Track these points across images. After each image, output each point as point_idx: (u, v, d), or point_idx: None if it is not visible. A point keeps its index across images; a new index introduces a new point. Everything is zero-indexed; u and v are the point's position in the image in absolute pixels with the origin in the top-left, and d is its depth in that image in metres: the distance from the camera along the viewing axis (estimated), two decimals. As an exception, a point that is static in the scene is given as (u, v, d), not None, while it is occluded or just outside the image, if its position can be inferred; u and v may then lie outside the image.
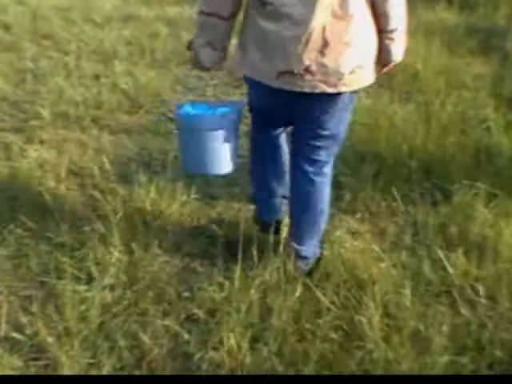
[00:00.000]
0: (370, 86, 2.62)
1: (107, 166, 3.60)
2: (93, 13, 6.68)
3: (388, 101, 4.81)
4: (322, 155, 2.68)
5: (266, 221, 2.97)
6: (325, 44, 2.34)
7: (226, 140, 2.66)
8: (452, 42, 6.11)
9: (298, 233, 2.80)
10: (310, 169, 2.69)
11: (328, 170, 2.74)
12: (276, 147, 2.85)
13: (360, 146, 4.04)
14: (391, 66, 2.63)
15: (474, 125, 4.45)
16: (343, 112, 2.59)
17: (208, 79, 5.20)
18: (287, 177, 2.84)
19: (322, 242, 2.92)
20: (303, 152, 2.68)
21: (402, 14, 2.48)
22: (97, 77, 5.10)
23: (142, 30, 6.19)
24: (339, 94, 2.46)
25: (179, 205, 3.38)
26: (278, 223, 2.96)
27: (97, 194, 3.43)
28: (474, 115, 4.58)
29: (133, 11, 6.73)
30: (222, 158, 2.71)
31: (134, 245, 3.02)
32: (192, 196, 3.47)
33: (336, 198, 3.43)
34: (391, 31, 2.47)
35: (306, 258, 2.80)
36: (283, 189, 2.90)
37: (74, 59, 5.46)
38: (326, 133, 2.61)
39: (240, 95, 4.69)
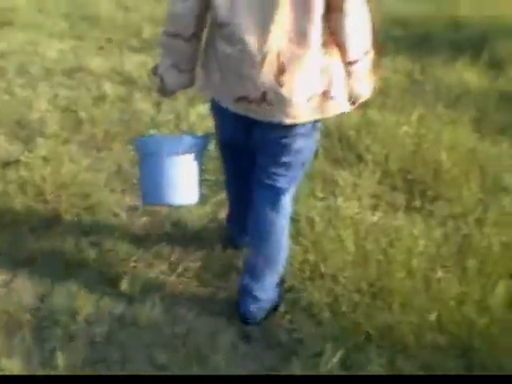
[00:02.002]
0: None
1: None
2: (31, 61, 5.28)
3: (403, 214, 3.42)
4: (281, 182, 2.57)
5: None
6: (281, 70, 2.27)
7: (187, 167, 2.57)
8: (482, 116, 4.74)
9: (254, 270, 2.66)
10: (269, 195, 2.60)
11: (287, 200, 2.62)
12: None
13: (363, 309, 2.66)
14: (356, 103, 2.53)
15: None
16: (305, 140, 2.49)
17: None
18: None
19: (281, 289, 2.76)
20: (262, 178, 2.59)
21: (365, 45, 2.37)
22: (4, 165, 3.70)
23: (86, 90, 4.79)
24: (298, 124, 2.40)
25: None
26: None
27: None
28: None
29: (82, 62, 5.33)
30: (183, 186, 2.59)
31: None
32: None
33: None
34: (350, 63, 2.38)
35: (259, 300, 2.63)
36: None
37: (-13, 133, 4.06)
38: (285, 160, 2.52)
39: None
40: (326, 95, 2.38)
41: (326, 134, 4.19)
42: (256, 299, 2.64)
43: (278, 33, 2.24)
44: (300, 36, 2.26)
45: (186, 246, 3.17)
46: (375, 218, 3.42)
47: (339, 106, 2.46)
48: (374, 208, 3.55)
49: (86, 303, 2.72)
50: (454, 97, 5.22)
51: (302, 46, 2.28)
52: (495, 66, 5.92)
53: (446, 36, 6.92)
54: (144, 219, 3.37)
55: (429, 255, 3.11)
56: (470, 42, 6.69)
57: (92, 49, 5.86)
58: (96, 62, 5.37)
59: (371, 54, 2.41)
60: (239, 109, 2.41)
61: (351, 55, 2.36)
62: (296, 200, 3.19)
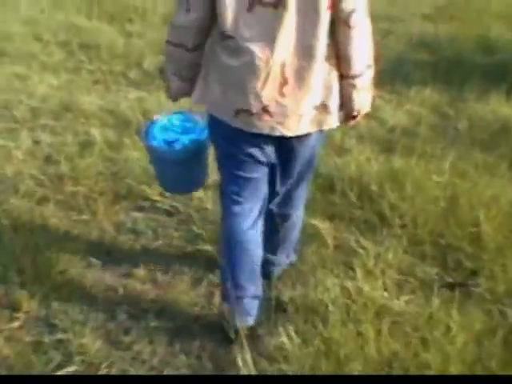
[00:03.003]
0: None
1: None
2: (17, 100, 4.75)
3: (436, 294, 2.83)
4: (292, 197, 2.70)
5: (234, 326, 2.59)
6: (284, 82, 2.27)
7: (192, 167, 2.79)
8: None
9: (272, 247, 2.82)
10: (283, 211, 2.73)
11: (300, 205, 2.80)
12: (249, 233, 2.59)
13: None
14: (356, 117, 2.51)
15: None
16: (307, 153, 2.54)
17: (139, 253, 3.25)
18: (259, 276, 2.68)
19: (295, 251, 3.00)
20: (272, 197, 2.65)
21: (369, 59, 2.38)
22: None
23: (73, 135, 4.25)
24: (301, 136, 2.40)
25: None
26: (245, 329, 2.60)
27: None
28: None
29: (73, 100, 4.80)
30: (192, 178, 2.89)
31: None
32: None
33: None
34: (353, 77, 2.37)
35: (279, 264, 2.94)
36: (256, 288, 2.66)
37: None
38: (292, 176, 2.61)
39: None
40: (324, 108, 2.38)
41: (343, 190, 3.60)
42: (275, 263, 2.93)
43: (284, 46, 2.22)
44: (305, 49, 2.25)
45: (172, 344, 2.61)
46: (402, 304, 2.82)
47: (335, 119, 2.45)
48: (401, 288, 2.96)
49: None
50: (490, 137, 4.60)
51: (307, 59, 2.26)
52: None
53: (477, 61, 6.32)
54: (124, 306, 2.79)
55: (469, 355, 2.50)
56: (504, 69, 6.09)
57: (87, 83, 5.33)
58: (88, 100, 4.82)
59: (373, 68, 2.40)
60: (238, 122, 2.34)
61: (356, 68, 2.35)
62: (305, 279, 2.89)
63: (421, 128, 4.68)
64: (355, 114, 2.48)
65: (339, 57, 2.33)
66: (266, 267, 2.84)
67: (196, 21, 2.31)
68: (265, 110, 2.30)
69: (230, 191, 2.55)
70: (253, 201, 2.57)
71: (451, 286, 3.05)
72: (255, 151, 2.45)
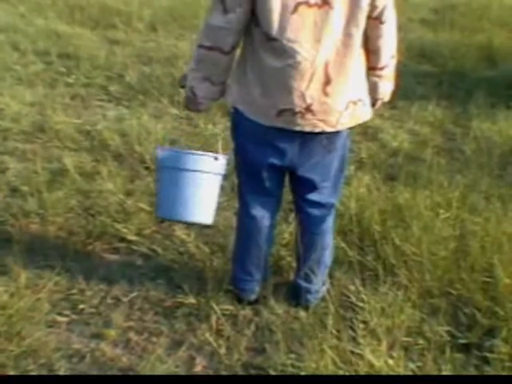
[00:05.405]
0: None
1: None
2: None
3: (447, 358, 2.49)
4: (326, 196, 2.64)
5: (242, 295, 2.82)
6: (327, 81, 2.32)
7: (206, 185, 2.59)
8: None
9: (306, 272, 2.75)
10: (316, 212, 2.67)
11: (332, 209, 2.72)
12: (262, 231, 2.69)
13: None
14: (378, 104, 2.61)
15: None
16: (342, 149, 2.55)
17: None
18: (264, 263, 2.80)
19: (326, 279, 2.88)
20: (306, 196, 2.63)
21: (394, 51, 2.48)
22: None
23: (44, 161, 3.87)
24: (337, 132, 2.45)
25: None
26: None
27: None
28: None
29: (47, 120, 4.44)
30: (200, 203, 2.60)
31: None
32: None
33: None
34: (381, 68, 2.47)
35: (315, 292, 2.81)
36: (260, 274, 2.79)
37: None
38: (328, 173, 2.57)
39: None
40: (360, 102, 2.43)
41: (342, 230, 3.23)
42: (310, 291, 2.80)
43: (328, 45, 2.26)
44: (347, 47, 2.29)
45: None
46: (410, 374, 2.45)
47: (368, 112, 2.51)
48: (409, 351, 2.61)
49: None
50: (498, 161, 4.25)
51: (347, 57, 2.31)
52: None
53: (480, 73, 5.99)
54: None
55: None
56: (508, 82, 5.77)
57: (63, 98, 4.95)
58: (63, 119, 4.44)
59: (396, 57, 2.50)
60: (280, 122, 2.36)
61: (383, 60, 2.45)
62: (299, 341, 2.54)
63: (425, 152, 4.31)
64: (378, 102, 2.59)
65: (368, 50, 2.41)
66: (303, 296, 2.81)
67: (233, 22, 2.27)
68: (308, 109, 2.33)
69: (248, 189, 2.64)
70: (269, 196, 2.65)
71: (465, 348, 2.68)
72: (291, 154, 2.47)
